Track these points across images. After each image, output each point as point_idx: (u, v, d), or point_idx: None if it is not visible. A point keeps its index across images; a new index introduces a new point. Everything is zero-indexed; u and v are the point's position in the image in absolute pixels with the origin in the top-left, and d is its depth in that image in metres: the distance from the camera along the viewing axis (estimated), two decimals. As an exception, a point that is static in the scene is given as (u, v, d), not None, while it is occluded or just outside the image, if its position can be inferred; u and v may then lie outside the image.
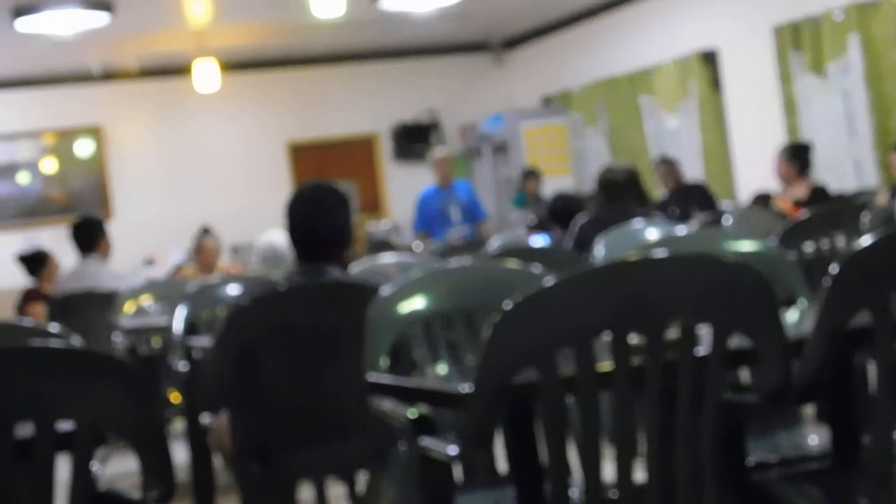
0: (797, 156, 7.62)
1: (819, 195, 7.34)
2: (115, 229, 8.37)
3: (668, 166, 9.46)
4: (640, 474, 2.04)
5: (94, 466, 1.97)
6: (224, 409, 3.73)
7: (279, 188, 11.79)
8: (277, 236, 6.10)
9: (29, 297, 7.45)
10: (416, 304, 2.77)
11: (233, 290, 4.61)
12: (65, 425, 1.93)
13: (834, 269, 2.08)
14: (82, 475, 1.95)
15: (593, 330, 1.96)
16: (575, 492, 2.04)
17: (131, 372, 1.93)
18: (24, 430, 1.90)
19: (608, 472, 2.01)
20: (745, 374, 2.76)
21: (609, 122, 11.95)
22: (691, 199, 8.71)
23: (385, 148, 13.48)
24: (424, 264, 4.65)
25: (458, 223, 9.58)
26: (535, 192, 11.08)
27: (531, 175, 11.30)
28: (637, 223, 5.06)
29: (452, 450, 2.10)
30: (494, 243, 5.82)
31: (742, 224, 5.76)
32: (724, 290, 2.02)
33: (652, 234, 4.69)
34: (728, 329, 2.03)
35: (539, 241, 6.96)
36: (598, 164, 9.35)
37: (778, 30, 9.72)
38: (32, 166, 12.34)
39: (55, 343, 2.54)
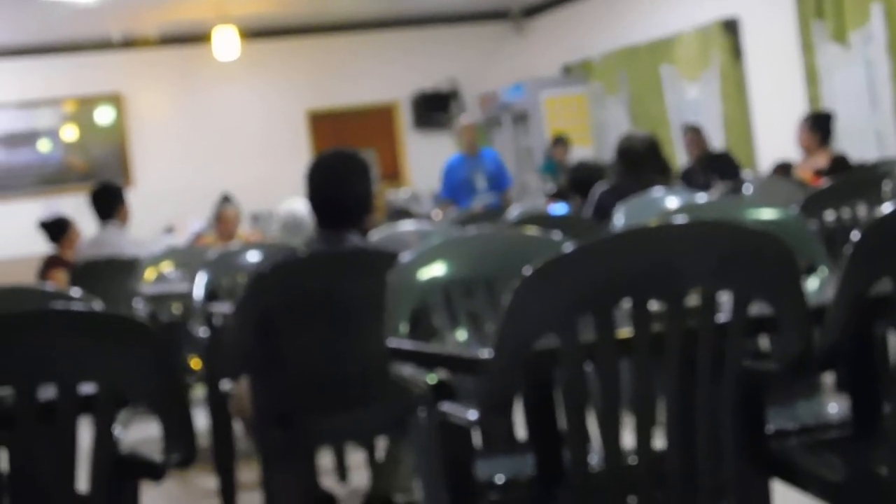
0: (819, 125, 7.57)
1: (840, 165, 7.29)
2: (135, 197, 8.40)
3: (694, 134, 9.41)
4: (659, 442, 2.05)
5: (117, 430, 1.98)
6: (244, 376, 3.75)
7: (298, 157, 11.80)
8: (299, 204, 6.10)
9: (50, 264, 7.47)
10: (435, 270, 2.77)
11: (253, 256, 4.62)
12: (87, 388, 1.94)
13: (856, 236, 2.08)
14: (104, 437, 1.96)
15: (613, 296, 1.96)
16: (594, 458, 2.04)
17: (153, 335, 1.94)
18: (47, 392, 1.92)
19: (626, 440, 2.02)
20: (764, 342, 2.76)
21: (630, 91, 11.90)
22: (716, 168, 8.66)
23: (405, 116, 13.46)
24: (443, 232, 4.65)
25: (484, 191, 9.55)
26: (563, 159, 11.06)
27: (560, 142, 11.28)
28: (657, 191, 5.04)
29: (472, 415, 2.10)
30: (514, 211, 5.81)
31: (763, 193, 5.73)
32: (745, 257, 2.01)
33: (672, 202, 4.67)
34: (749, 296, 2.03)
35: (559, 209, 6.94)
36: (618, 133, 9.28)
37: (800, -2, 9.65)
38: (53, 134, 12.38)
39: (77, 306, 2.55)
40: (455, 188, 9.65)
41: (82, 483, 2.01)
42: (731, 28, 10.51)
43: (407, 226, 5.31)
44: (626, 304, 1.97)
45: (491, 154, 10.05)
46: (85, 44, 12.21)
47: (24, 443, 1.91)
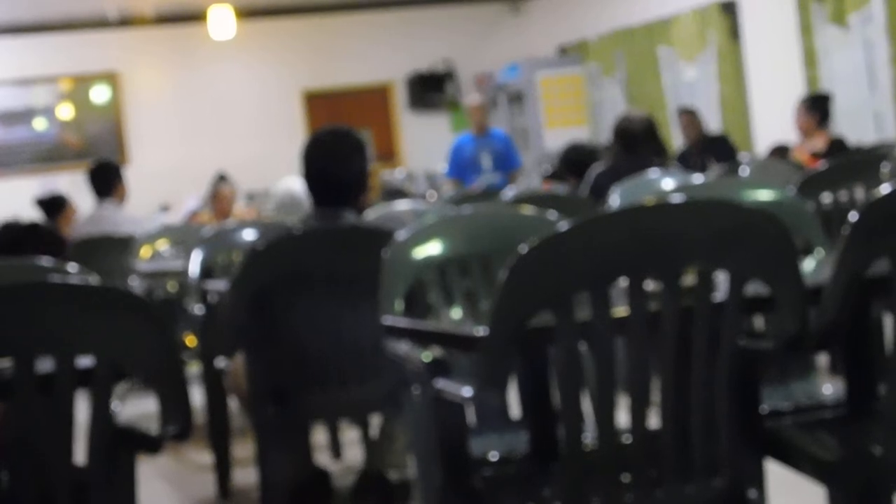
0: (817, 107, 7.55)
1: (837, 147, 7.28)
2: (131, 175, 8.38)
3: (689, 117, 9.38)
4: (653, 420, 2.05)
5: (114, 403, 1.98)
6: (239, 352, 3.75)
7: (294, 136, 11.79)
8: (295, 183, 6.10)
9: (45, 241, 7.46)
10: (431, 248, 2.77)
11: (248, 234, 4.61)
12: (85, 361, 1.94)
13: (853, 215, 2.08)
14: (102, 410, 1.96)
15: (609, 274, 1.95)
16: (588, 436, 2.05)
17: (150, 309, 1.94)
18: (45, 364, 1.92)
19: (621, 418, 2.02)
20: (759, 322, 2.76)
21: (626, 72, 11.88)
22: (713, 150, 8.64)
23: (400, 96, 13.44)
24: (438, 212, 4.64)
25: (489, 171, 9.52)
26: None
27: None
28: (653, 173, 5.04)
29: (467, 391, 2.10)
30: (509, 192, 5.80)
31: (759, 175, 5.72)
32: (742, 236, 2.01)
33: (668, 183, 4.66)
34: (745, 275, 2.03)
35: (557, 191, 6.94)
36: (614, 114, 9.27)
37: (799, -21, 9.62)
38: (49, 112, 12.36)
39: (75, 279, 2.55)
40: (460, 167, 9.63)
41: (80, 455, 2.01)
42: (728, 9, 10.49)
43: (402, 205, 5.30)
44: (623, 282, 1.97)
45: (500, 134, 9.99)
46: (81, 22, 12.17)
47: (23, 415, 1.91)
